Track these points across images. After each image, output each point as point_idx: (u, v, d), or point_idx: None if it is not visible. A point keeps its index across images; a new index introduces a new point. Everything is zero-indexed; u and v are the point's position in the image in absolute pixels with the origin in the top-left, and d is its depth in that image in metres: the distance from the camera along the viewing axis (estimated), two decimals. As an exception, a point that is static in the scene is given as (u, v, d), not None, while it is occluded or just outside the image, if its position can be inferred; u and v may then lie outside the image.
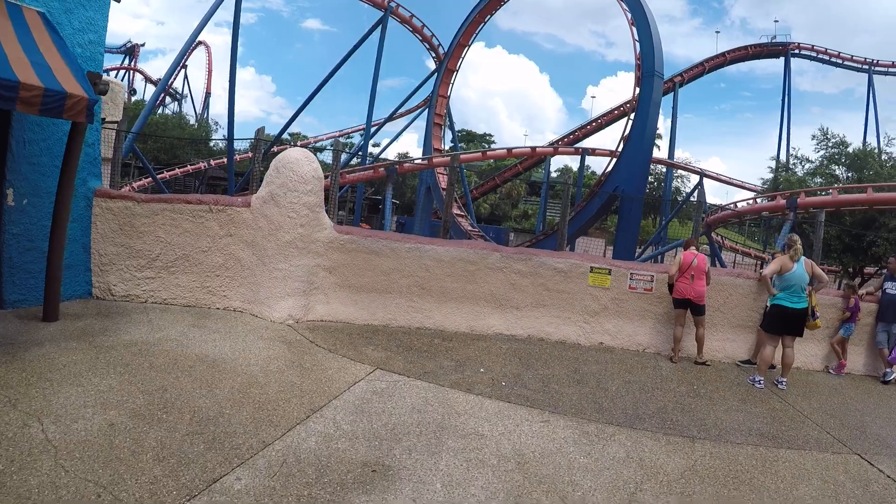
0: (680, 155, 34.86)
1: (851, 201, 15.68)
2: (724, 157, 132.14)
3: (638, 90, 20.60)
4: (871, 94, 31.56)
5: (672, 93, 29.11)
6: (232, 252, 5.71)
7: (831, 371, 6.93)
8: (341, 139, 38.03)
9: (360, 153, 30.66)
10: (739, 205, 20.69)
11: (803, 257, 5.67)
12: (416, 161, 29.02)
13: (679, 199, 30.29)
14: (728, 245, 26.33)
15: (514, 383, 4.70)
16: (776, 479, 3.56)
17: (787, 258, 5.55)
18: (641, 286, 6.39)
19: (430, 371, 4.68)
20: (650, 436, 4.00)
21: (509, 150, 30.23)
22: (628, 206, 20.27)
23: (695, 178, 30.11)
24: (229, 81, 24.27)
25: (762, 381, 5.59)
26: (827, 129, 18.81)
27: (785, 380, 5.69)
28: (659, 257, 21.08)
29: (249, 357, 4.37)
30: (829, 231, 15.11)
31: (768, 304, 5.77)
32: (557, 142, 34.40)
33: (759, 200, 20.41)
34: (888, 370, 6.93)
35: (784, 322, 5.55)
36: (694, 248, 6.23)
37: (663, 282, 6.49)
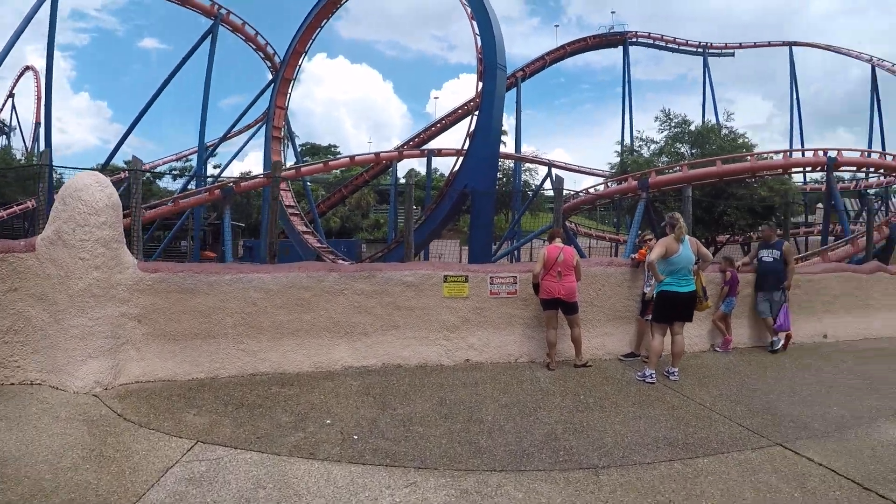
0: (526, 149, 54.74)
1: (702, 175, 26.19)
2: (569, 149, 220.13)
3: (481, 85, 32.03)
4: (707, 75, 56.47)
5: (515, 88, 49.68)
6: (19, 310, 7.31)
7: (718, 349, 10.42)
8: (177, 163, 67.82)
9: (206, 176, 45.79)
10: (591, 190, 33.06)
11: (687, 236, 8.12)
12: (250, 179, 43.22)
13: (529, 192, 43.85)
14: (582, 231, 41.72)
15: (370, 433, 5.97)
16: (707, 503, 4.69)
17: (672, 239, 7.87)
18: (504, 290, 8.95)
19: (265, 434, 5.87)
20: (544, 477, 5.07)
21: (352, 157, 46.14)
22: (480, 202, 30.06)
23: (543, 170, 50.46)
24: (45, 105, 39.35)
25: (653, 376, 7.95)
26: (669, 110, 31.80)
27: (676, 369, 8.13)
28: (516, 252, 34.53)
29: (39, 451, 5.36)
30: (679, 205, 24.18)
31: (646, 292, 8.56)
32: (402, 146, 52.46)
33: (610, 184, 31.97)
34: (775, 338, 10.41)
35: (674, 308, 8.02)
36: (559, 240, 8.64)
37: (528, 282, 8.80)
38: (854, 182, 42.81)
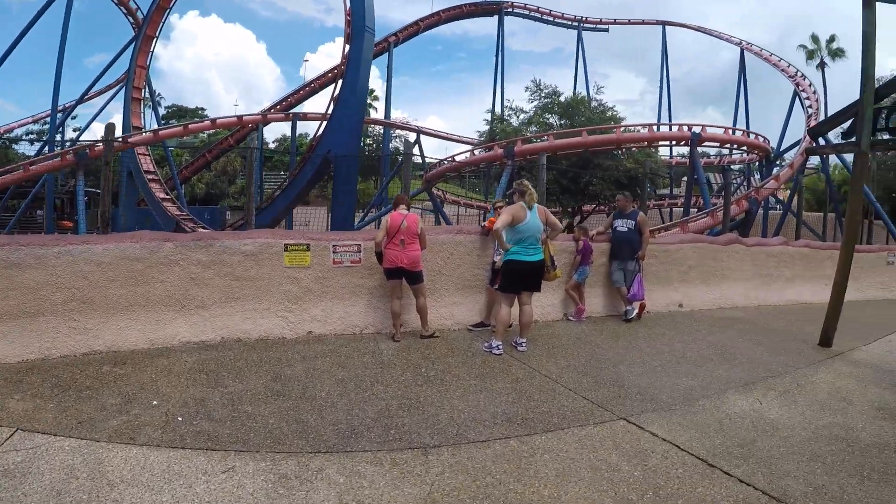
0: (399, 116, 54.71)
1: (568, 145, 26.66)
2: (443, 116, 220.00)
3: (348, 48, 31.72)
4: (580, 49, 58.00)
5: (387, 53, 50.13)
6: None
7: (571, 318, 10.47)
8: (35, 126, 62.25)
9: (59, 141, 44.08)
10: (458, 157, 33.21)
11: (536, 204, 8.12)
12: (90, 144, 38.00)
13: (399, 158, 42.60)
14: (451, 199, 42.15)
15: (195, 414, 5.73)
16: (538, 485, 4.57)
17: (520, 207, 7.87)
18: (348, 259, 8.82)
19: (88, 419, 5.56)
20: (370, 459, 4.90)
21: (214, 120, 45.09)
22: (343, 167, 30.00)
23: (414, 137, 51.79)
24: None
25: (500, 347, 7.92)
26: (540, 80, 32.28)
27: (524, 340, 8.16)
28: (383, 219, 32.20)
29: None
30: (548, 175, 26.26)
31: (496, 261, 8.41)
32: (269, 109, 50.98)
33: (477, 152, 32.39)
34: (629, 308, 10.58)
35: (522, 278, 7.98)
36: (404, 206, 8.52)
37: (372, 251, 8.66)
38: (719, 158, 44.82)
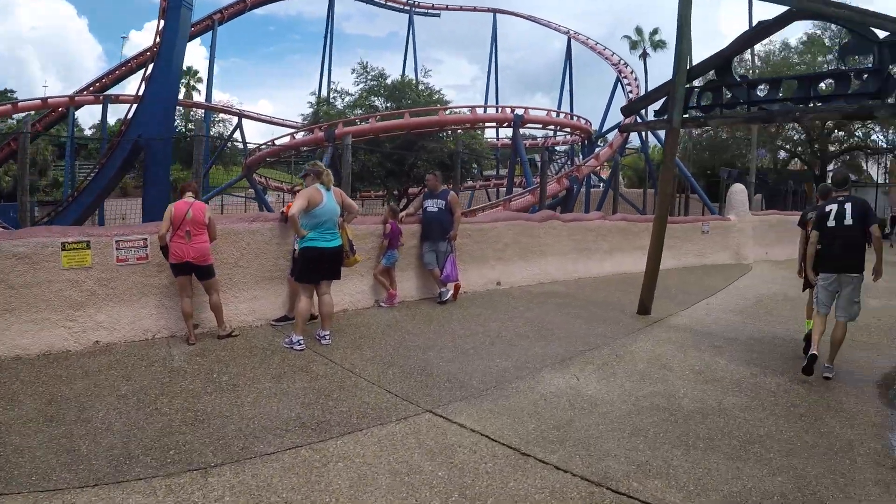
0: (227, 99, 49.82)
1: (390, 127, 26.12)
2: (273, 100, 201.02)
3: (163, 23, 28.81)
4: (411, 33, 58.35)
5: (211, 31, 47.06)
6: None
7: (383, 304, 9.89)
8: None
9: None
10: (279, 141, 31.98)
11: (333, 186, 7.77)
12: None
13: (220, 144, 41.76)
14: (274, 186, 40.29)
15: None
16: (329, 500, 4.10)
17: (315, 190, 7.48)
18: (133, 255, 7.83)
19: None
20: (143, 489, 4.22)
21: (15, 104, 39.66)
22: (154, 153, 27.61)
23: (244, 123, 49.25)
24: None
25: (302, 342, 7.45)
26: (367, 62, 31.64)
27: (327, 332, 7.71)
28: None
29: None
30: (372, 158, 26.41)
31: (296, 249, 7.83)
32: (82, 90, 45.17)
33: (299, 136, 31.30)
34: (443, 290, 10.20)
35: (320, 266, 7.60)
36: (192, 194, 7.87)
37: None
38: (544, 140, 45.79)
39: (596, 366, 7.01)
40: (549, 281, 12.71)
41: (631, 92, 35.92)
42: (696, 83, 10.01)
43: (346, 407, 5.59)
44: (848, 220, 6.70)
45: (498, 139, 45.23)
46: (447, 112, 27.30)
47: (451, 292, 10.45)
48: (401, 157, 26.39)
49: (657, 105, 10.22)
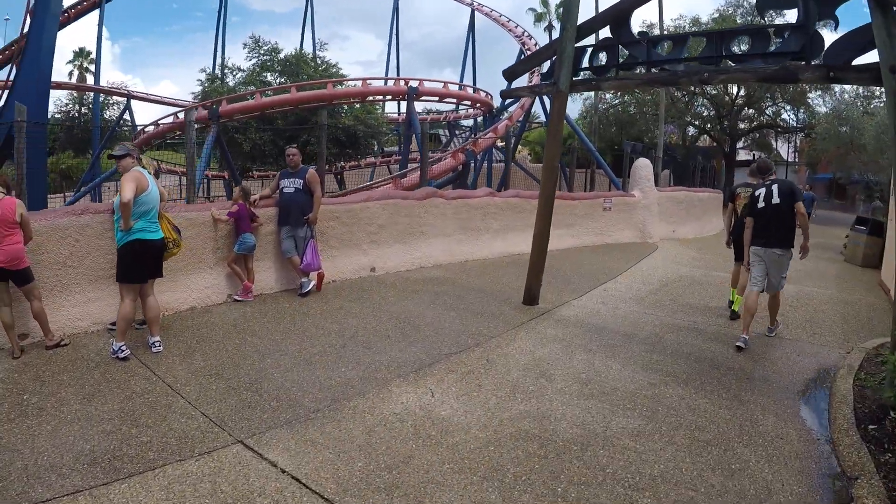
0: (129, 80, 48.24)
1: (276, 102, 25.08)
2: (176, 80, 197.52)
3: (32, 1, 27.48)
4: (310, 8, 54.91)
5: (98, 8, 42.76)
6: None
7: (238, 298, 8.87)
8: None
9: None
10: (163, 122, 30.23)
11: (143, 169, 7.05)
12: None
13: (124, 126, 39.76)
14: (165, 168, 36.52)
15: None
16: None
17: (140, 173, 6.77)
18: None
19: None
20: None
21: None
22: (31, 141, 23.67)
23: (135, 104, 46.17)
24: None
25: (125, 349, 6.67)
26: (259, 37, 30.80)
27: (157, 339, 6.97)
28: (95, 193, 30.78)
29: None
30: (263, 136, 25.74)
31: (118, 244, 7.03)
32: None
33: (181, 115, 29.62)
34: (304, 280, 9.16)
35: (146, 261, 6.94)
36: (2, 188, 6.96)
37: None
38: (447, 114, 44.87)
39: (459, 375, 5.96)
40: (432, 265, 11.70)
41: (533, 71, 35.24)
42: (589, 42, 8.94)
43: (149, 436, 4.67)
44: (775, 200, 7.28)
45: (399, 114, 44.18)
46: (334, 86, 26.17)
47: (314, 283, 9.46)
48: (293, 134, 25.53)
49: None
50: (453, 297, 9.15)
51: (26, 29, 31.36)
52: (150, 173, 6.98)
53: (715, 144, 44.25)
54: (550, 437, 4.62)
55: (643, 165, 18.36)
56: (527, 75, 23.33)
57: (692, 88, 40.03)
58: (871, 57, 5.95)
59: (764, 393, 5.80)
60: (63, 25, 40.23)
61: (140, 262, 6.86)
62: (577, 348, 6.80)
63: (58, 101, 57.44)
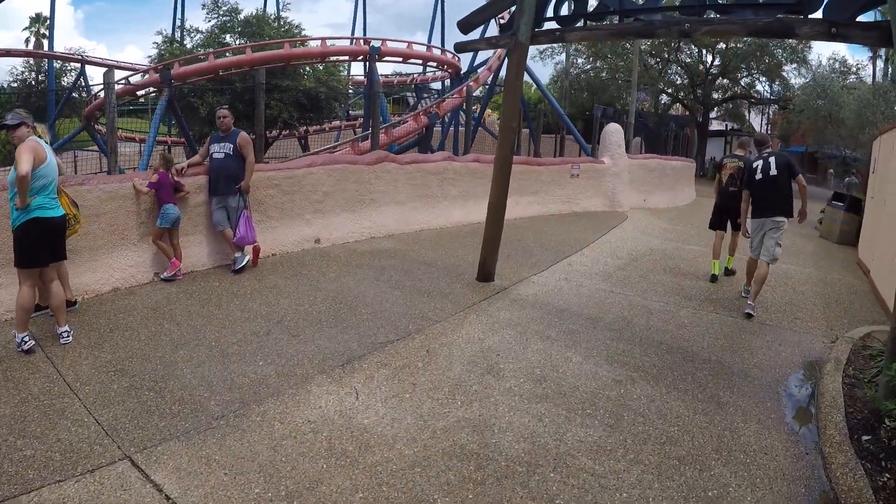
0: (91, 46, 47.30)
1: (230, 63, 24.44)
2: (142, 45, 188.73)
3: None
4: None
5: None
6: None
7: (164, 276, 8.13)
8: None
9: None
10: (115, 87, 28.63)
11: (39, 138, 6.36)
12: None
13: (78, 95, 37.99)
14: (125, 136, 36.00)
15: None
16: None
17: (37, 143, 6.15)
18: None
19: None
20: None
21: None
22: None
23: (93, 70, 48.03)
24: None
25: (27, 339, 6.13)
26: None
27: (66, 328, 6.39)
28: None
29: None
30: (221, 100, 23.60)
31: (14, 224, 6.45)
32: None
33: (134, 79, 28.70)
34: (238, 255, 8.38)
35: (47, 242, 6.31)
36: None
37: None
38: (413, 76, 43.83)
39: (393, 370, 5.19)
40: (384, 235, 10.91)
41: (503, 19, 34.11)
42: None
43: (33, 449, 4.04)
44: (773, 172, 7.53)
45: (365, 76, 43.25)
46: (291, 46, 25.33)
47: (249, 257, 8.70)
48: (252, 97, 24.30)
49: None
50: (400, 273, 8.39)
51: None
52: (46, 143, 6.36)
53: (688, 113, 43.74)
54: (492, 454, 3.87)
55: (614, 130, 17.50)
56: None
57: (665, 53, 39.57)
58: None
59: (744, 393, 5.07)
60: None
61: (39, 244, 6.25)
62: (533, 335, 6.04)
63: (13, 69, 55.55)
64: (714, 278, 9.08)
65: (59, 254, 6.45)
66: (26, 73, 56.13)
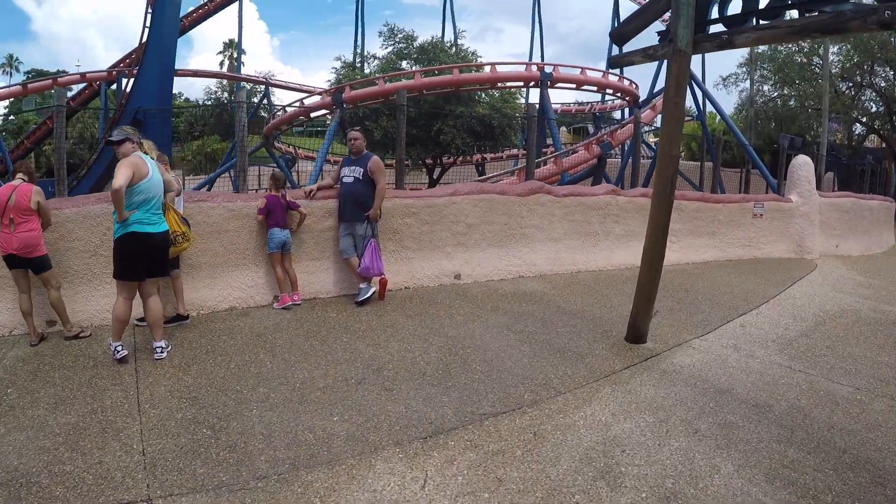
0: (285, 71, 55.22)
1: (398, 88, 24.27)
2: (332, 72, 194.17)
3: None
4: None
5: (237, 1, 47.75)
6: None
7: (276, 307, 7.88)
8: None
9: None
10: (290, 109, 31.09)
11: (155, 158, 6.52)
12: None
13: (262, 114, 40.32)
14: (303, 155, 38.26)
15: None
16: None
17: (140, 158, 6.16)
18: None
19: None
20: None
21: (55, 79, 38.37)
22: (153, 126, 26.74)
23: (280, 92, 53.03)
24: None
25: (120, 350, 6.21)
26: (394, 25, 30.48)
27: (161, 343, 6.36)
28: (230, 177, 32.19)
29: None
30: (394, 124, 24.22)
31: (114, 236, 6.52)
32: (118, 64, 44.50)
33: (308, 101, 30.56)
34: (362, 286, 7.80)
35: (144, 257, 6.28)
36: (24, 175, 6.97)
37: None
38: (592, 105, 42.54)
39: (481, 455, 4.09)
40: (533, 275, 9.78)
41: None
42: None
43: (74, 466, 3.95)
44: None
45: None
46: (460, 71, 24.98)
47: (375, 289, 8.03)
48: (426, 122, 24.67)
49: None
50: (538, 323, 7.23)
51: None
52: (152, 159, 6.38)
53: (884, 145, 39.22)
54: None
55: (802, 164, 15.13)
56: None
57: (858, 76, 35.90)
58: None
59: None
60: (204, 18, 42.61)
61: (136, 258, 6.23)
62: (677, 426, 4.65)
63: (208, 88, 63.09)
64: None
65: (158, 269, 6.43)
66: (219, 92, 62.64)
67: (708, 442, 4.35)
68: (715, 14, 6.23)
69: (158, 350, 6.28)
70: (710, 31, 6.42)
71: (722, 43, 6.38)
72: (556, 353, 6.14)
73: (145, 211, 6.19)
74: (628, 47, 7.70)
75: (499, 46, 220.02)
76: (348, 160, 8.21)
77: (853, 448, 4.43)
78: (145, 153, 6.35)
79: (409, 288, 8.50)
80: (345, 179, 8.10)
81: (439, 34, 42.01)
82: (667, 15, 6.71)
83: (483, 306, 7.87)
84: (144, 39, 30.15)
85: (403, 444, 4.15)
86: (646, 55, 7.15)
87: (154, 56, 29.10)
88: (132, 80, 30.72)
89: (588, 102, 42.42)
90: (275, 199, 7.74)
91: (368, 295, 7.80)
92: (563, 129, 52.16)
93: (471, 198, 9.23)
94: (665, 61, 6.53)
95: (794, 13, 5.66)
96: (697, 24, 6.29)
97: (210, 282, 7.35)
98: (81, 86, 43.32)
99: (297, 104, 30.70)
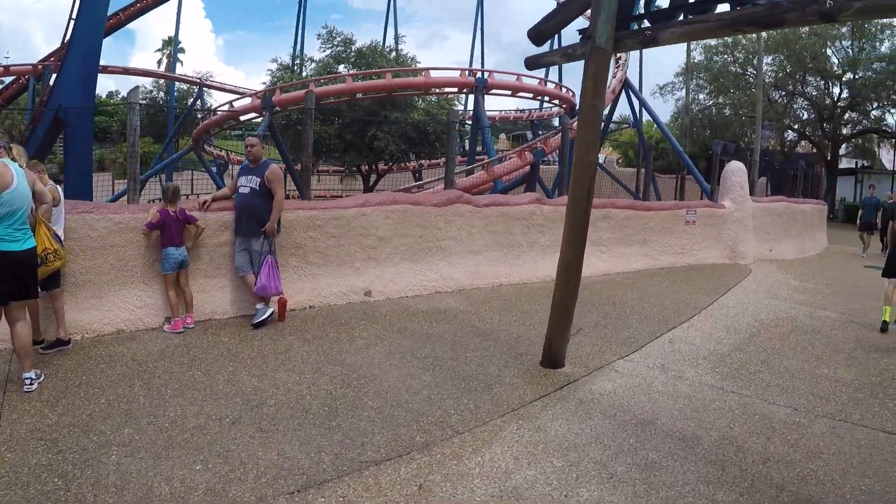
0: (229, 71, 52.11)
1: (331, 92, 23.88)
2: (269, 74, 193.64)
3: None
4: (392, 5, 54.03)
5: None
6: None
7: (167, 330, 7.10)
8: None
9: None
10: (219, 111, 30.49)
11: (12, 162, 5.80)
12: None
13: (199, 116, 38.75)
14: (235, 158, 36.78)
15: None
16: None
17: (4, 166, 5.57)
18: None
19: None
20: None
21: None
22: (73, 128, 23.61)
23: (220, 95, 51.43)
24: None
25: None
26: (333, 27, 30.22)
27: (31, 374, 5.71)
28: (165, 177, 29.60)
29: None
30: (329, 129, 25.16)
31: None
32: (46, 58, 41.13)
33: (237, 104, 29.73)
34: (259, 306, 7.09)
35: (8, 279, 5.64)
36: None
37: None
38: (530, 112, 42.42)
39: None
40: (451, 290, 9.23)
41: (620, 59, 31.80)
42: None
43: None
44: None
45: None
46: (392, 76, 24.76)
47: (273, 310, 7.32)
48: (360, 128, 24.49)
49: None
50: (447, 345, 6.61)
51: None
52: (20, 166, 5.71)
53: (815, 150, 40.95)
54: None
55: (736, 170, 15.04)
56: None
57: (790, 85, 37.67)
58: None
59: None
60: (142, 12, 40.50)
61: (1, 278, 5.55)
62: (590, 471, 4.03)
63: (142, 87, 60.19)
64: (885, 326, 8.24)
65: (25, 292, 5.69)
66: (154, 92, 61.17)
67: (624, 489, 3.77)
68: (641, 9, 5.73)
69: (27, 382, 5.59)
70: (631, 28, 5.92)
71: (646, 40, 5.81)
72: (460, 382, 5.53)
73: (7, 226, 5.49)
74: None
75: (443, 53, 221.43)
76: (245, 168, 7.51)
77: (792, 483, 3.96)
78: (13, 159, 5.74)
79: (315, 307, 7.86)
80: (241, 190, 7.41)
81: (380, 38, 41.75)
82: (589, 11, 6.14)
83: (390, 327, 7.29)
84: (70, 33, 28.89)
85: (266, 501, 3.53)
86: (564, 54, 6.60)
87: (78, 50, 27.81)
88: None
89: (527, 110, 42.38)
90: (167, 214, 7.02)
91: (266, 316, 7.10)
92: (503, 136, 52.34)
93: (382, 209, 8.65)
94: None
95: (727, 6, 5.12)
96: (621, 21, 5.79)
97: (96, 302, 6.67)
98: (10, 79, 40.71)
99: (227, 107, 30.15)
